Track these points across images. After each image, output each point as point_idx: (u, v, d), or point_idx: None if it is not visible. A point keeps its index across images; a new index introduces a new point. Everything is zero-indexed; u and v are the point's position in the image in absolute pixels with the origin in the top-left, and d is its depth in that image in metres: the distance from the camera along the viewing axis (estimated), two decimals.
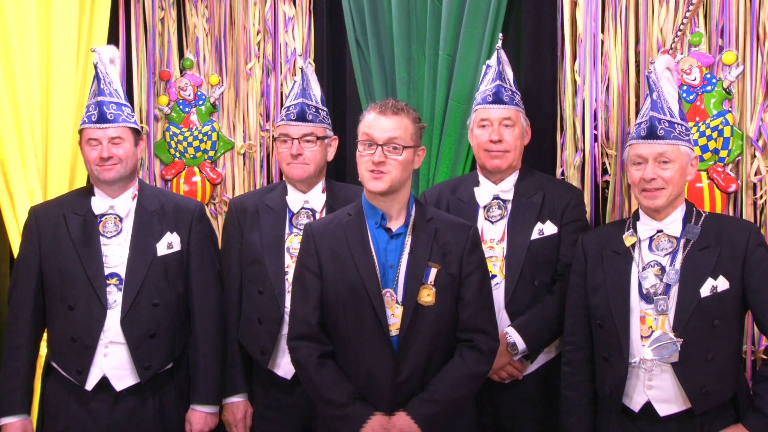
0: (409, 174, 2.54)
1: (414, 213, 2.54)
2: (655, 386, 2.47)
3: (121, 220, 2.84)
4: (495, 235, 2.90)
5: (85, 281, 2.76)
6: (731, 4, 2.96)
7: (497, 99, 2.93)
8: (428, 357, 2.47)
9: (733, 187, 2.98)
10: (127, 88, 3.82)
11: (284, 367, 2.89)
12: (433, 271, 2.48)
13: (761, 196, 2.95)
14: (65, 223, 2.82)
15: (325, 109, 3.07)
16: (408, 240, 2.51)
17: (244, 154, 3.82)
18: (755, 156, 2.95)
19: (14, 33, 3.32)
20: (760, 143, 2.94)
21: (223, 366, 2.94)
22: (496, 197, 2.93)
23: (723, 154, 2.99)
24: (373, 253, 2.49)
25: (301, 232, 2.86)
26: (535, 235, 2.85)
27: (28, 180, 3.36)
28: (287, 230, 2.96)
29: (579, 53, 3.19)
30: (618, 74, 3.12)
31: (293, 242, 2.93)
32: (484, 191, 2.95)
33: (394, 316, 2.46)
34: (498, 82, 2.95)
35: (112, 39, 3.73)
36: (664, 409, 2.47)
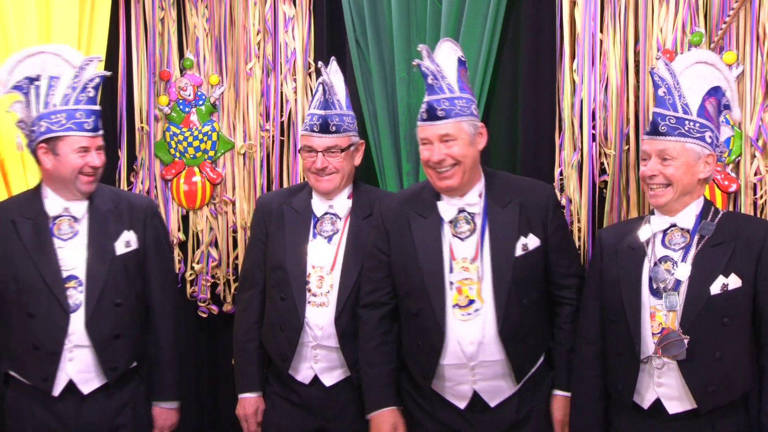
0: None
1: None
2: (664, 384, 2.46)
3: (76, 221, 2.79)
4: (467, 253, 2.68)
5: (43, 287, 2.70)
6: (731, 4, 2.96)
7: (432, 116, 2.65)
8: None
9: (733, 187, 2.98)
10: (127, 88, 3.81)
11: (303, 372, 2.91)
12: None
13: (761, 196, 2.95)
14: (14, 228, 2.75)
15: (350, 113, 3.04)
16: None
17: (244, 154, 3.82)
18: (755, 156, 2.96)
19: (14, 33, 3.31)
20: (760, 143, 2.95)
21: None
22: (462, 210, 2.71)
23: (723, 154, 2.99)
24: None
25: (324, 239, 2.92)
26: (519, 252, 2.67)
27: (28, 180, 3.34)
28: (311, 236, 2.96)
29: (578, 53, 3.19)
30: (617, 74, 3.12)
31: (315, 249, 2.93)
32: (448, 205, 2.72)
33: None
34: (428, 96, 2.69)
35: (112, 39, 3.72)
36: (673, 407, 2.45)
